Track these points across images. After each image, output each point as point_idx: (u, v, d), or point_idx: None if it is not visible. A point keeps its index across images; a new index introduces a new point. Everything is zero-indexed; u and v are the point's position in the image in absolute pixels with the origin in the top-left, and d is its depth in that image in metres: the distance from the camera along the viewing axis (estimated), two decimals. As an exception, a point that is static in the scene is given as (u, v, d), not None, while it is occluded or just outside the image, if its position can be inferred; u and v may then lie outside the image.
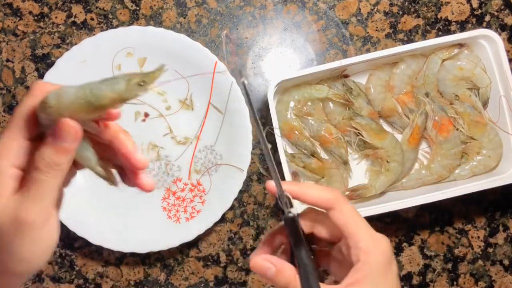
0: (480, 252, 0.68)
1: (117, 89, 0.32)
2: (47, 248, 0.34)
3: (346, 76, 0.67)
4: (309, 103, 0.66)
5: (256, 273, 0.67)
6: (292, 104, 0.66)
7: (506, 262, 0.68)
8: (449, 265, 0.68)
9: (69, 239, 0.67)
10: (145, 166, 0.36)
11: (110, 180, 0.37)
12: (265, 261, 0.40)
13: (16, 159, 0.33)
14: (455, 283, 0.68)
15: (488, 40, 0.63)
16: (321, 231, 0.41)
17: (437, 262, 0.68)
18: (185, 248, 0.67)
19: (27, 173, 0.33)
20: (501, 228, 0.68)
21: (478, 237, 0.68)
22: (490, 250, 0.68)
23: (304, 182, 0.66)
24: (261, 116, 0.67)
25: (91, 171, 0.36)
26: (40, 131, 0.34)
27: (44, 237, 0.34)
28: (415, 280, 0.68)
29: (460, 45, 0.65)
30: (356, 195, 0.65)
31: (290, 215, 0.39)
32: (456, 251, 0.68)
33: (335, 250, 0.42)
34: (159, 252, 0.66)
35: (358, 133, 0.65)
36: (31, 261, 0.34)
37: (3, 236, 0.33)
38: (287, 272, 0.39)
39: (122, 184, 0.38)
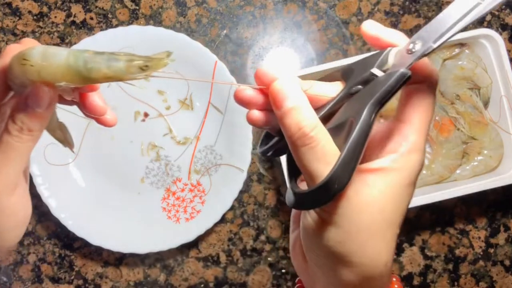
0: (481, 253, 0.68)
1: (114, 67, 0.28)
2: (18, 220, 0.32)
3: (346, 76, 0.67)
4: (310, 103, 0.66)
5: (256, 274, 0.68)
6: (292, 104, 0.66)
7: (507, 262, 0.68)
8: (450, 266, 0.68)
9: (68, 240, 0.67)
10: (115, 123, 0.35)
11: (68, 144, 0.35)
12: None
13: None
14: (456, 283, 0.68)
15: (489, 39, 0.63)
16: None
17: (438, 262, 0.68)
18: (185, 249, 0.67)
19: None
20: (502, 228, 0.68)
21: (479, 238, 0.68)
22: (491, 250, 0.68)
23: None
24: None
25: (50, 134, 0.34)
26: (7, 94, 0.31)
27: (13, 208, 0.31)
28: (416, 281, 0.68)
29: (461, 44, 0.64)
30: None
31: None
32: (457, 251, 0.68)
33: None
34: (158, 253, 0.66)
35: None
36: (2, 234, 0.31)
37: None
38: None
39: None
